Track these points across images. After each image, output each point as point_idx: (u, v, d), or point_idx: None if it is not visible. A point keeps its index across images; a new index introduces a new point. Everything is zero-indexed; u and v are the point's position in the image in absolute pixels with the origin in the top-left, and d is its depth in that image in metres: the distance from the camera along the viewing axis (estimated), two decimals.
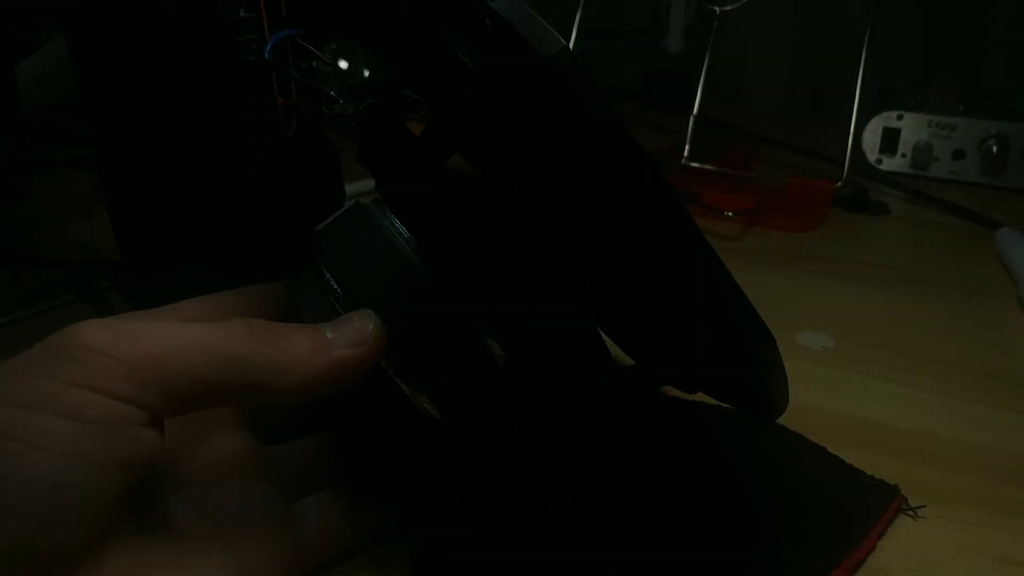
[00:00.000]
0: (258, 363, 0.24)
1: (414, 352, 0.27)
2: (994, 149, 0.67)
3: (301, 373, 0.25)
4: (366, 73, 0.35)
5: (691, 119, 0.66)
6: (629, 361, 0.38)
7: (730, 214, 0.61)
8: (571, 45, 0.69)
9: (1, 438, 0.21)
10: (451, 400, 0.28)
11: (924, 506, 0.34)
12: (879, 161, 0.72)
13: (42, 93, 0.68)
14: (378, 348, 0.26)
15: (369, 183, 0.30)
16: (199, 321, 0.25)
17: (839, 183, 0.63)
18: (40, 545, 0.21)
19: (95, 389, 0.22)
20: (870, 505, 0.33)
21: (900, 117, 0.70)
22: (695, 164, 0.66)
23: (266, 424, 0.31)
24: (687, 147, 0.66)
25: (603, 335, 0.33)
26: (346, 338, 0.26)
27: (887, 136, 0.71)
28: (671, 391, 0.40)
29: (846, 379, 0.43)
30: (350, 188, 0.44)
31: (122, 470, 0.23)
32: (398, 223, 0.28)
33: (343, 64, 0.35)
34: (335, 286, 0.28)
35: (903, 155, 0.71)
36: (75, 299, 0.49)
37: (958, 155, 0.69)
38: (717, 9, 0.69)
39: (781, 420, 0.39)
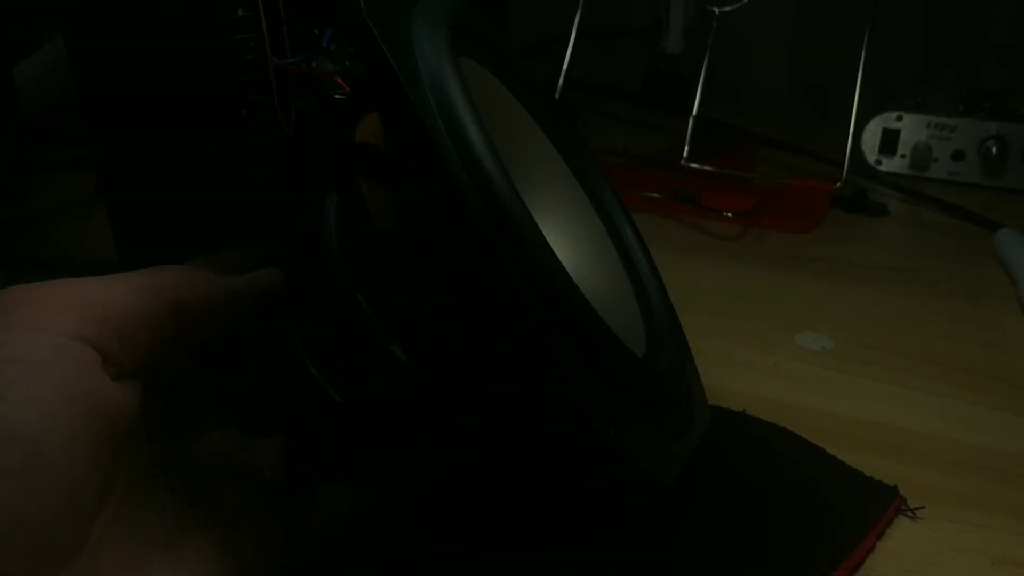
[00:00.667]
0: (196, 282, 0.26)
1: (321, 337, 0.29)
2: (993, 150, 0.67)
3: (237, 283, 0.27)
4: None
5: (691, 120, 0.66)
6: None
7: (729, 215, 0.61)
8: (571, 45, 0.69)
9: None
10: (348, 384, 0.29)
11: (923, 507, 0.34)
12: (878, 162, 0.72)
13: (41, 93, 0.68)
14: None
15: None
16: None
17: (838, 184, 0.63)
18: (32, 514, 0.20)
19: (40, 329, 0.22)
20: (869, 506, 0.33)
21: (900, 118, 0.70)
22: (695, 165, 0.66)
23: (250, 415, 0.31)
24: (687, 148, 0.66)
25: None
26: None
27: (886, 137, 0.71)
28: None
29: (845, 380, 0.43)
30: None
31: (89, 416, 0.22)
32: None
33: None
34: None
35: (902, 156, 0.71)
36: None
37: (957, 156, 0.69)
38: (717, 10, 0.69)
39: (783, 423, 0.39)
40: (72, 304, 0.22)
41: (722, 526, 0.32)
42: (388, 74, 0.24)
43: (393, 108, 0.25)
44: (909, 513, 0.34)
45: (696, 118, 0.66)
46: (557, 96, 0.67)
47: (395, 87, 0.24)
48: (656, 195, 0.62)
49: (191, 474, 0.27)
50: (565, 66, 0.69)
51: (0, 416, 0.20)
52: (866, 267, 0.56)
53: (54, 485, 0.20)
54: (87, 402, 0.22)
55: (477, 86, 0.30)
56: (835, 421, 0.40)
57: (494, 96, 0.33)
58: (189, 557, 0.25)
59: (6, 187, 0.65)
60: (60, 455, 0.21)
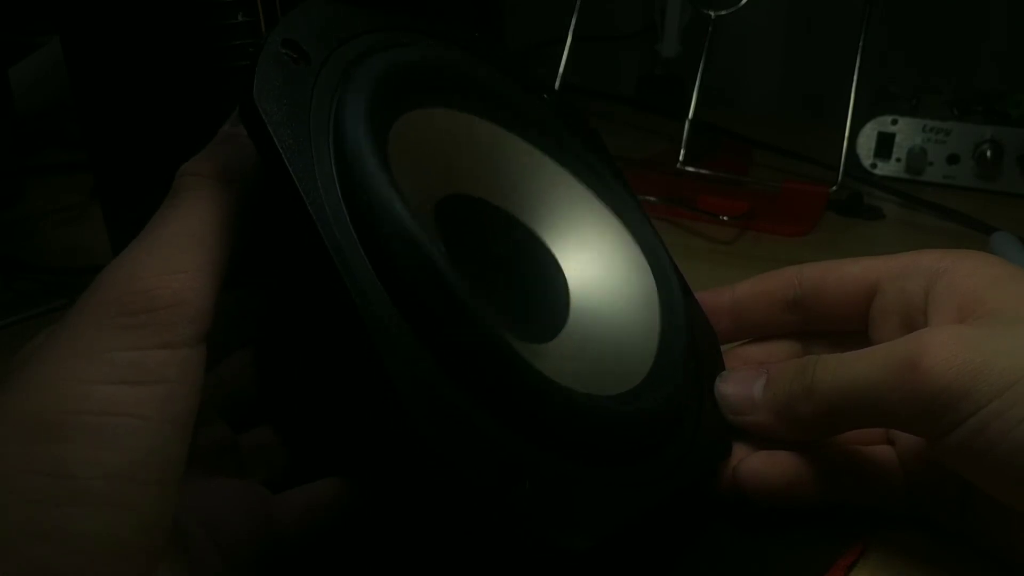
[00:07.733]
0: None
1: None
2: (988, 154, 0.67)
3: None
4: None
5: (686, 123, 0.66)
6: None
7: (725, 218, 0.61)
8: (567, 50, 0.69)
9: (106, 415, 0.21)
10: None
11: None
12: (874, 166, 0.72)
13: (37, 96, 0.68)
14: None
15: None
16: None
17: (834, 187, 0.64)
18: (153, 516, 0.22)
19: (167, 345, 0.22)
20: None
21: (895, 122, 0.71)
22: (690, 168, 0.66)
23: (234, 413, 0.31)
24: (682, 151, 0.66)
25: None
26: None
27: (882, 141, 0.71)
28: None
29: None
30: None
31: (188, 423, 0.23)
32: None
33: None
34: None
35: (898, 160, 0.71)
36: (68, 304, 0.49)
37: (952, 160, 0.69)
38: (712, 13, 0.70)
39: None
40: (190, 309, 0.23)
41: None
42: (279, 167, 0.23)
43: (285, 202, 0.24)
44: None
45: (692, 121, 0.66)
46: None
47: (286, 181, 0.23)
48: (652, 198, 0.62)
49: (194, 480, 0.27)
50: (561, 70, 0.69)
51: (151, 432, 0.21)
52: None
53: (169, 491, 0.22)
54: (192, 409, 0.23)
55: (455, 138, 0.30)
56: None
57: (487, 142, 0.31)
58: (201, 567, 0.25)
59: (0, 190, 0.65)
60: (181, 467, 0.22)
